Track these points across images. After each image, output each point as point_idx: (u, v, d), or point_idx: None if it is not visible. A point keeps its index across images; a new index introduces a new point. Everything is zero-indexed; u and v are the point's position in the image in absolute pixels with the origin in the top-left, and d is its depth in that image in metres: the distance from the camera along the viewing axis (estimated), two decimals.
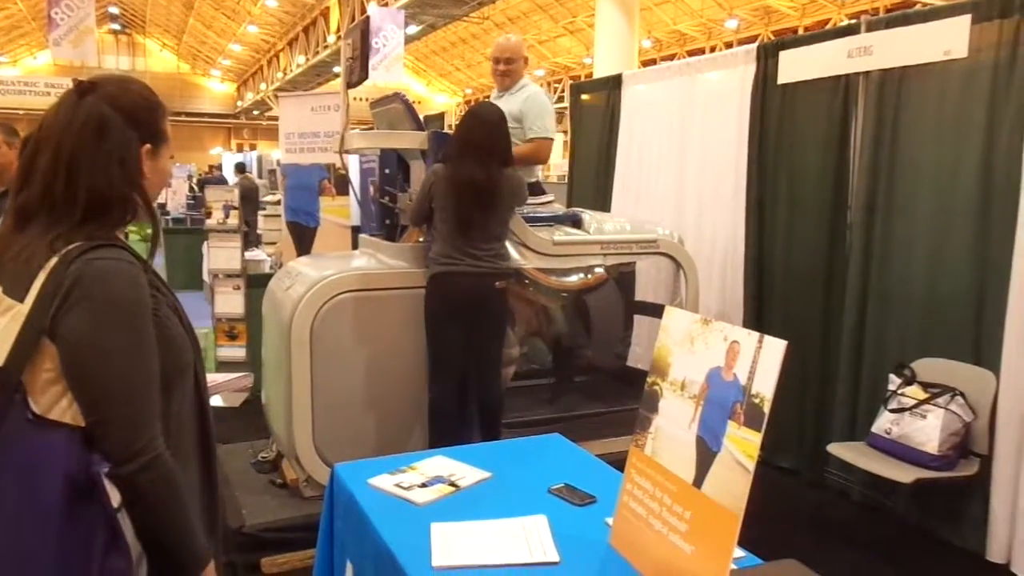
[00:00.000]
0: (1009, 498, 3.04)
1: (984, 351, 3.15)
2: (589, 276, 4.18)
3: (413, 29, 19.82)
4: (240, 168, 13.28)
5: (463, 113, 3.39)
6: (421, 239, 3.61)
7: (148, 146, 1.33)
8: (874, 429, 3.29)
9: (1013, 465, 3.03)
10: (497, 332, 3.40)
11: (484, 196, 3.20)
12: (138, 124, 1.31)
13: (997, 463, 3.07)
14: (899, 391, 3.26)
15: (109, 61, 35.77)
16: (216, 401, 4.18)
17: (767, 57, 4.07)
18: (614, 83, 5.39)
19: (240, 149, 33.42)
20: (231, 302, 5.47)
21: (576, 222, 3.94)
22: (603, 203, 5.27)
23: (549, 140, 3.94)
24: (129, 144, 1.29)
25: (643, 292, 4.56)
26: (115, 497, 1.17)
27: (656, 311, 3.97)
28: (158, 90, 1.46)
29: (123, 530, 1.18)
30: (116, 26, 36.29)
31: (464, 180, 3.17)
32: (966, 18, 3.14)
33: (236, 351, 5.37)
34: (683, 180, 4.73)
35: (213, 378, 1.79)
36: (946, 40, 3.22)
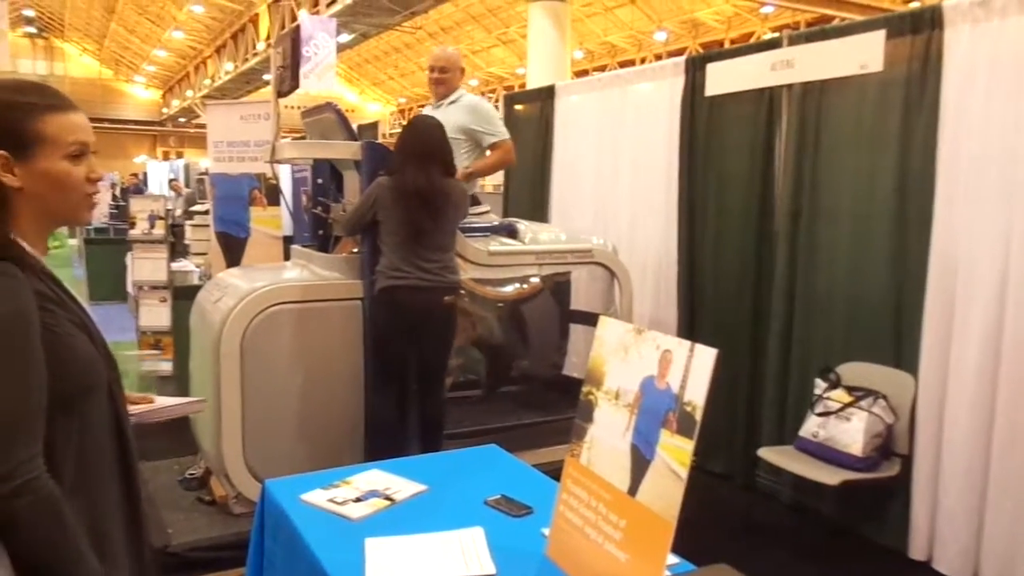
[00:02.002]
0: (929, 497, 3.16)
1: (904, 354, 3.26)
2: (525, 286, 4.20)
3: (345, 38, 19.60)
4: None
5: (406, 124, 3.39)
6: (355, 250, 3.56)
7: (3, 153, 1.23)
8: (802, 433, 3.37)
9: (932, 465, 3.14)
10: (444, 345, 3.39)
11: (431, 203, 3.21)
12: None
13: (917, 463, 3.19)
14: (825, 395, 3.36)
15: (25, 65, 34.29)
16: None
17: (695, 70, 4.16)
18: (547, 94, 5.43)
19: (167, 157, 32.47)
20: (157, 315, 5.31)
21: (511, 232, 3.95)
22: (540, 213, 5.29)
23: (509, 140, 3.96)
24: None
25: (578, 301, 4.59)
26: None
27: (591, 320, 3.99)
28: (78, 96, 1.38)
29: None
30: (32, 29, 34.86)
31: (409, 189, 3.17)
32: (880, 33, 3.27)
33: (162, 365, 5.21)
34: (616, 190, 4.79)
35: (162, 401, 1.67)
36: (862, 54, 3.34)
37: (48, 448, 1.19)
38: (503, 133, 3.91)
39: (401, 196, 3.17)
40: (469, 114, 3.83)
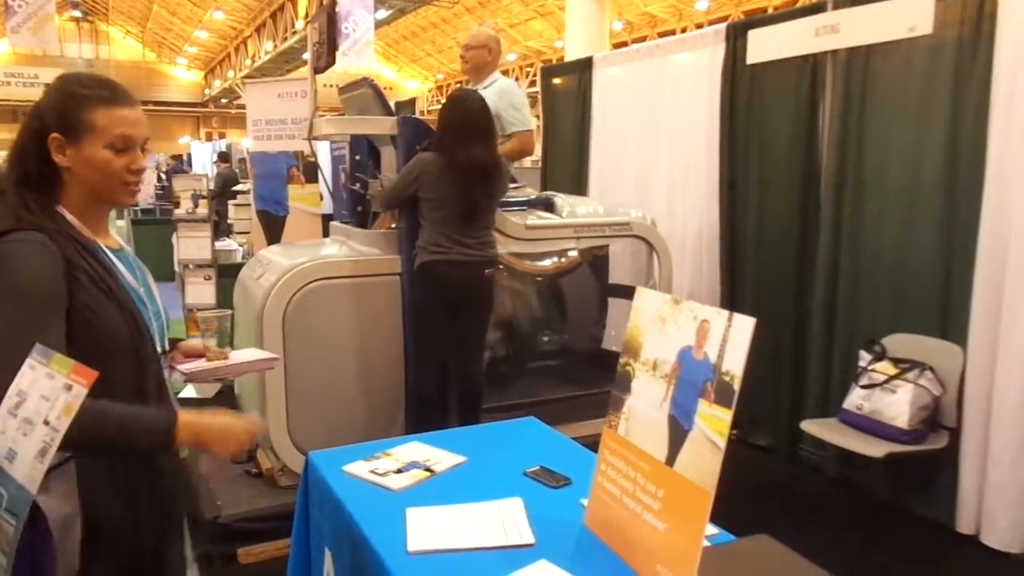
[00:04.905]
0: (977, 470, 3.10)
1: (952, 326, 3.19)
2: (563, 260, 4.19)
3: (383, 14, 19.61)
4: (224, 157, 12.91)
5: (449, 100, 3.35)
6: (393, 225, 3.58)
7: (55, 135, 1.38)
8: (846, 405, 3.33)
9: (981, 438, 3.08)
10: (483, 319, 3.41)
11: (491, 179, 3.22)
12: (48, 116, 1.39)
13: (965, 436, 3.13)
14: (870, 367, 3.30)
15: (71, 49, 34.97)
16: (188, 392, 4.15)
17: (736, 37, 4.08)
18: (585, 66, 5.37)
19: (209, 138, 32.93)
20: (202, 292, 5.40)
21: (549, 206, 3.93)
22: (579, 187, 5.27)
23: (530, 132, 3.94)
24: (30, 136, 1.39)
25: (617, 275, 4.57)
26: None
27: (630, 293, 3.97)
28: (122, 79, 1.51)
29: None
30: (77, 13, 35.44)
31: (469, 165, 3.14)
32: None
33: (208, 341, 5.32)
34: (656, 162, 4.73)
35: (237, 356, 1.80)
36: (911, 17, 3.24)
37: None
38: (526, 124, 3.89)
39: (457, 172, 3.15)
40: (499, 97, 3.81)
